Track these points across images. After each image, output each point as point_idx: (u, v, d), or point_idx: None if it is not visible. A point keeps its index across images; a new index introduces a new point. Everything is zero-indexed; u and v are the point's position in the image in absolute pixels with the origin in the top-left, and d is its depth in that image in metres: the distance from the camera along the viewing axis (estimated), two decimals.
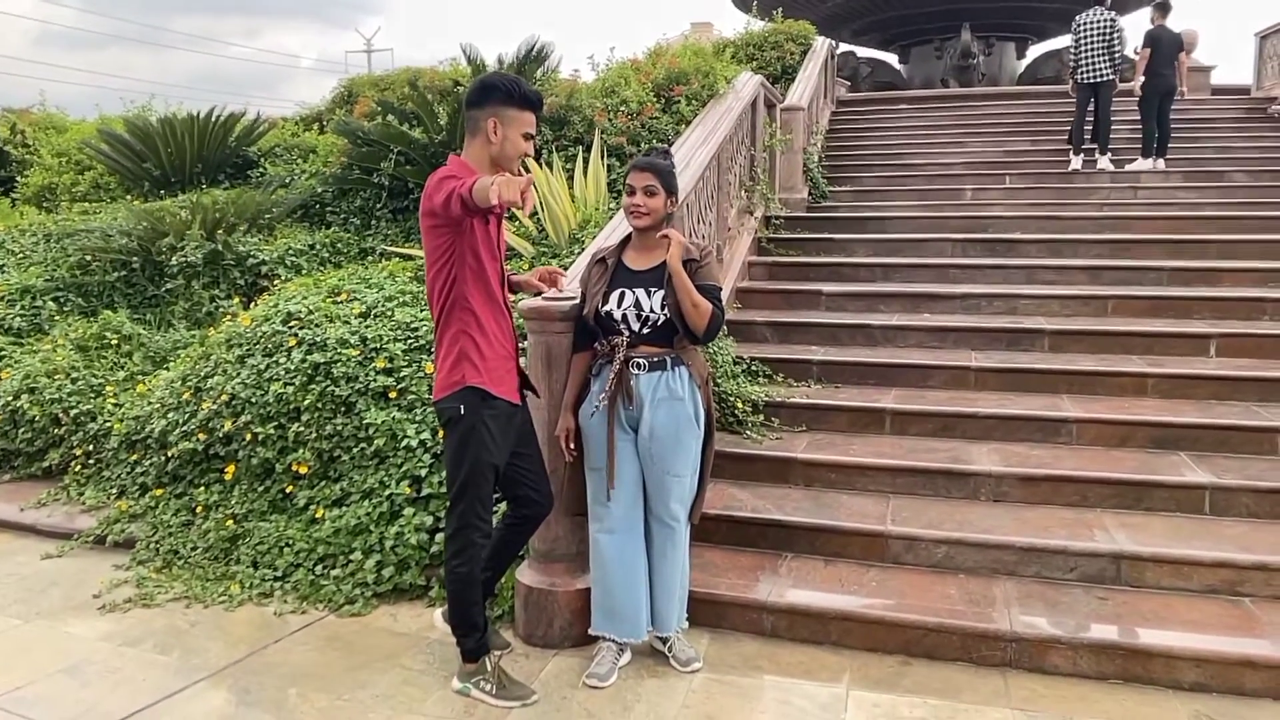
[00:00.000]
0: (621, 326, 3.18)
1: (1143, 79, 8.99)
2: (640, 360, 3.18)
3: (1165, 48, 9.06)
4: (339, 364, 4.44)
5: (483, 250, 2.90)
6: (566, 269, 4.05)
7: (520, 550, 3.44)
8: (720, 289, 3.25)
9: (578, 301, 3.37)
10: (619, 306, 3.18)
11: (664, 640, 3.34)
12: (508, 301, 3.09)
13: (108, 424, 5.15)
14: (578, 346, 3.35)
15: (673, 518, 3.26)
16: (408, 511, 3.95)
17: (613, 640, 3.27)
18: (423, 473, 4.04)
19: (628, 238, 3.36)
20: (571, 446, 3.31)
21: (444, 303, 2.92)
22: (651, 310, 3.15)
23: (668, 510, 3.25)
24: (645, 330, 3.17)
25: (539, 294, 3.45)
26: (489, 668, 3.08)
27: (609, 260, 3.29)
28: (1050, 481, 4.05)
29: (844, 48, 16.31)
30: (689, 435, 3.21)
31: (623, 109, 7.45)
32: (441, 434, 3.22)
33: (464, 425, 2.92)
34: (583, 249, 4.95)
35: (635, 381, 3.17)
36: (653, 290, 3.17)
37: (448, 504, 3.08)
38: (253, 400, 4.51)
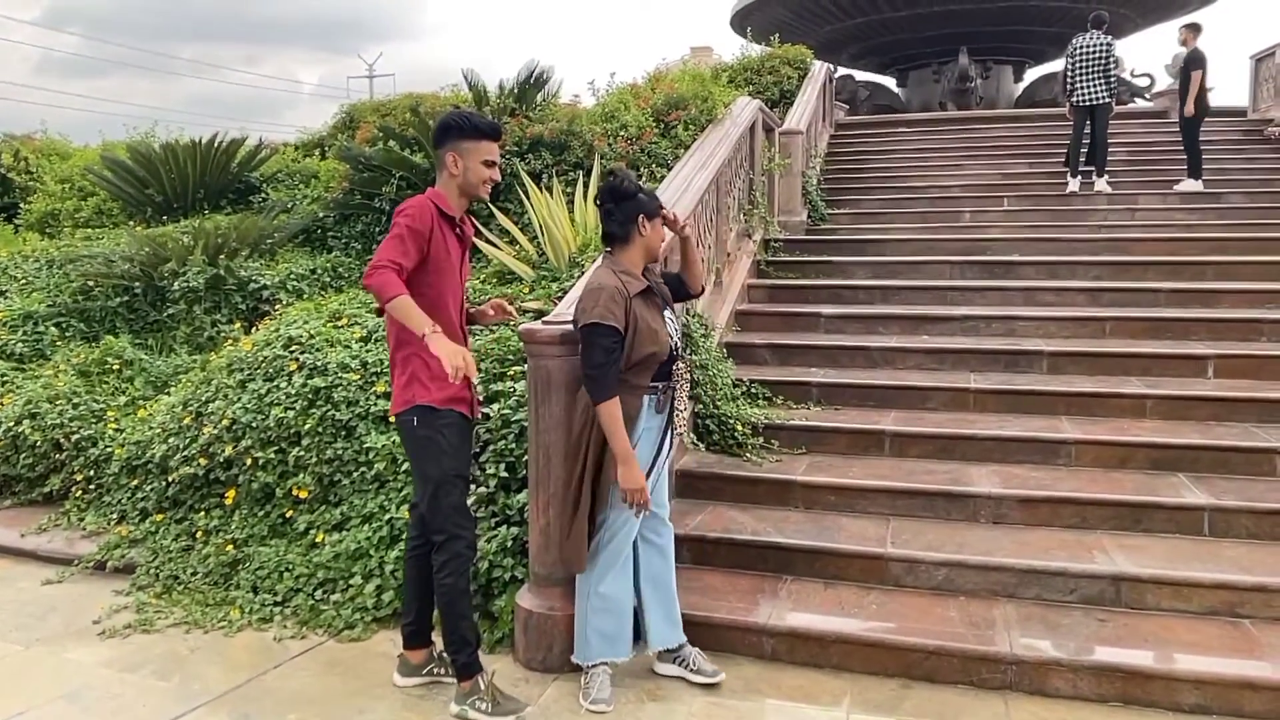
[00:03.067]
0: (676, 352, 3.20)
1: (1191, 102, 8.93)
2: (683, 379, 3.23)
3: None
4: (339, 388, 4.46)
5: (436, 280, 3.02)
6: (566, 292, 4.07)
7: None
8: None
9: (617, 339, 3.01)
10: (675, 334, 3.20)
11: (673, 654, 3.32)
12: (464, 327, 3.20)
13: (109, 449, 5.15)
14: (613, 390, 3.00)
15: (667, 512, 3.35)
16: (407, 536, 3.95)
17: (608, 663, 3.26)
18: None
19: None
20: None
21: (397, 325, 3.03)
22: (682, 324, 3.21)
23: (665, 507, 3.33)
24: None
25: (538, 316, 3.48)
26: (482, 686, 3.11)
27: (653, 284, 3.17)
28: (1050, 503, 4.05)
29: (842, 71, 16.46)
30: None
31: (622, 134, 7.51)
32: None
33: (419, 436, 3.07)
34: (583, 272, 4.96)
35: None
36: (672, 305, 3.28)
37: (428, 519, 3.13)
38: (253, 425, 4.53)
